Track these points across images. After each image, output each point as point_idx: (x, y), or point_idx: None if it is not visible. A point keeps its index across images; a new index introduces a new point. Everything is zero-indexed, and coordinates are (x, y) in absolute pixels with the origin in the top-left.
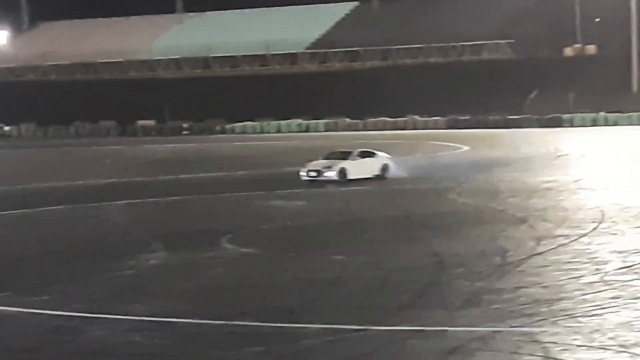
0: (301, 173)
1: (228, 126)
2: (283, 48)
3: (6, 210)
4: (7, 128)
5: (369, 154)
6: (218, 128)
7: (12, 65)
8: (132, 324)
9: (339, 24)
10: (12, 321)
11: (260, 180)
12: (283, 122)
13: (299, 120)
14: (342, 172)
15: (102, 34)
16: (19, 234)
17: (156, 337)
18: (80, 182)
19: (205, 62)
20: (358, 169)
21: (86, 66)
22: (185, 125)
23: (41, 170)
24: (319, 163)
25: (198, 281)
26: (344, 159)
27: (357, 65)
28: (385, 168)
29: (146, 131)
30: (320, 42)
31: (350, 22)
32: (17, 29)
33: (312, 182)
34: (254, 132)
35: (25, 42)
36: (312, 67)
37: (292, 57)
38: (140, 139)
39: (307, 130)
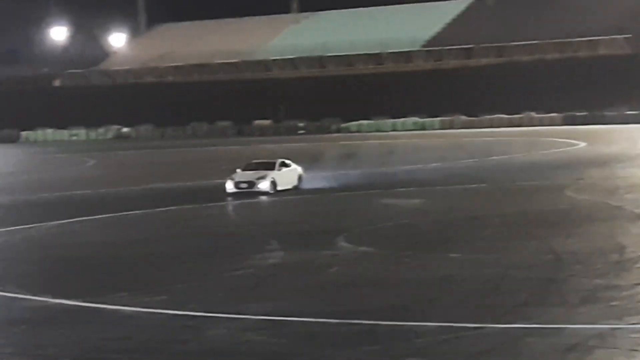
0: (227, 185)
1: (343, 125)
2: (398, 46)
3: (126, 211)
4: (125, 129)
5: (287, 165)
6: (333, 127)
7: (130, 67)
8: (249, 323)
9: (454, 21)
10: (131, 321)
11: (375, 179)
12: (398, 121)
13: (415, 119)
14: (274, 183)
15: (218, 35)
16: (139, 234)
17: (273, 336)
18: (197, 182)
19: (321, 61)
20: (283, 179)
21: (202, 67)
22: (300, 124)
23: (159, 171)
24: (247, 174)
25: (315, 280)
26: (270, 169)
27: (472, 62)
28: (300, 179)
29: (262, 131)
30: (435, 40)
31: (466, 19)
32: (135, 31)
33: (240, 195)
34: (369, 131)
35: (142, 45)
36: (427, 65)
37: (407, 55)
38: (256, 139)
39: (422, 129)
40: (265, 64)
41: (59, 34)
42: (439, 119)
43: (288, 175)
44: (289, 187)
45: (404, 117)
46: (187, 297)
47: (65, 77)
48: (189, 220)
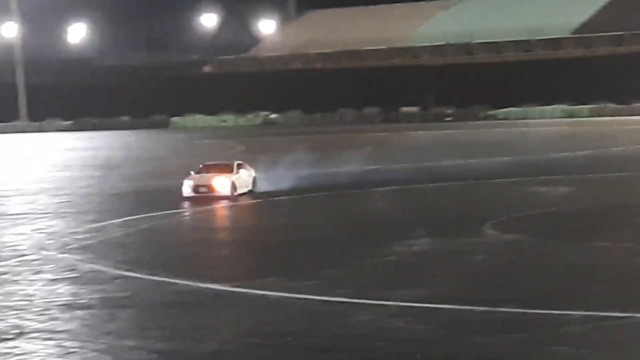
0: (184, 189)
1: (491, 112)
2: (547, 33)
3: (275, 196)
4: (273, 115)
5: (243, 167)
6: (481, 114)
7: (280, 53)
8: (395, 310)
9: (604, 8)
10: (279, 306)
11: (520, 167)
12: (547, 108)
13: (563, 106)
14: (234, 187)
15: (367, 22)
16: (289, 219)
17: (419, 322)
18: (344, 168)
19: (469, 48)
20: (241, 182)
21: (351, 54)
22: (448, 111)
23: (305, 157)
24: (204, 178)
25: (461, 267)
26: (227, 172)
27: (622, 49)
28: (255, 181)
29: (409, 118)
30: (585, 27)
31: (616, 6)
32: (285, 17)
33: (198, 200)
34: (517, 118)
35: (292, 31)
36: (577, 52)
37: (556, 42)
38: (403, 126)
39: (571, 116)
40: (413, 51)
41: (209, 20)
42: (588, 106)
43: (245, 178)
44: (245, 190)
45: (552, 104)
46: (334, 282)
47: (215, 64)
48: (334, 206)
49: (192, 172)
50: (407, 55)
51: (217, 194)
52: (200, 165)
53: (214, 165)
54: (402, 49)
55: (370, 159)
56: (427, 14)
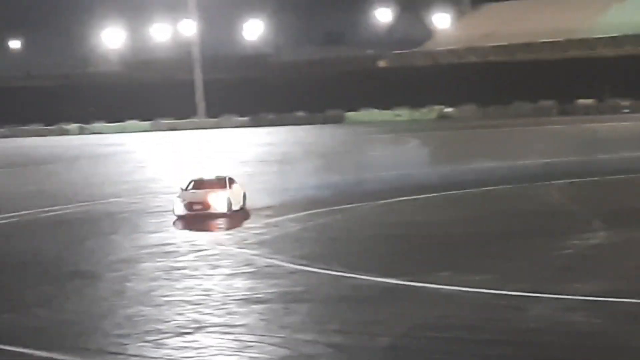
0: (176, 207)
1: None
2: None
3: (448, 191)
4: (448, 109)
5: (234, 182)
6: None
7: (454, 47)
8: (572, 303)
9: None
10: (453, 300)
11: None
12: None
13: None
14: (230, 203)
15: (543, 14)
16: (461, 213)
17: (597, 316)
18: (519, 161)
19: None
20: (235, 198)
21: (526, 46)
22: (624, 103)
23: (480, 151)
24: (197, 194)
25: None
26: (220, 187)
27: None
28: (245, 197)
29: (585, 110)
30: None
31: None
32: (460, 11)
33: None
34: None
35: (466, 25)
36: None
37: None
38: (579, 118)
39: None
40: (588, 42)
41: (383, 15)
42: None
43: (238, 194)
44: (238, 207)
45: None
46: (509, 276)
47: (390, 58)
48: (509, 199)
49: (181, 189)
50: (583, 47)
51: (213, 211)
52: (190, 181)
53: (206, 181)
54: (578, 41)
55: (546, 152)
56: (602, 5)
